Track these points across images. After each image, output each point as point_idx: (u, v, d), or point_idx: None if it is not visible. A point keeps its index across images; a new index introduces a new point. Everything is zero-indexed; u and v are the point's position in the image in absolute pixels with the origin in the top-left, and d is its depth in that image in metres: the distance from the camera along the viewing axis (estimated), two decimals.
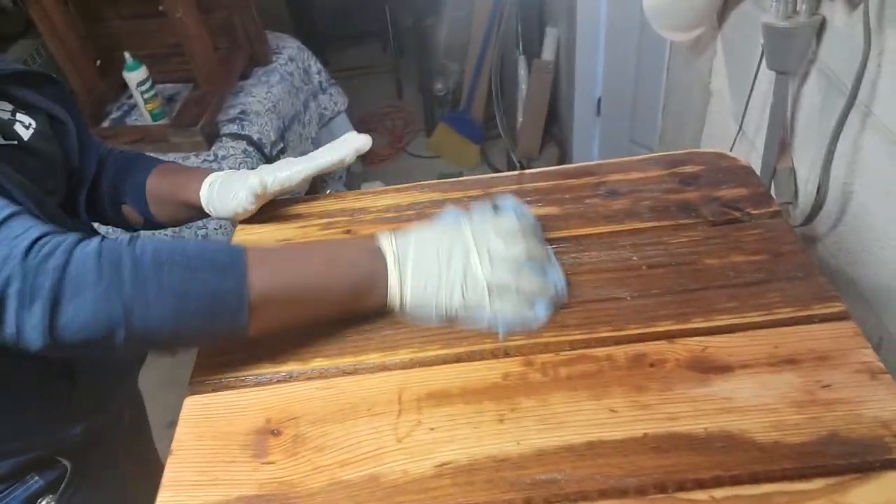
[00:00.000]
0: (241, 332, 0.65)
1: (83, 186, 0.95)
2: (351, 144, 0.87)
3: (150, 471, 1.15)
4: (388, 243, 0.71)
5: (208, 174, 0.91)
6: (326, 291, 0.69)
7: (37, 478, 0.89)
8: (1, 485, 0.87)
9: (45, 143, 0.86)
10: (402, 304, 0.70)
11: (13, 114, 0.83)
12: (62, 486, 0.92)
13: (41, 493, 0.90)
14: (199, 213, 0.93)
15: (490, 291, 0.68)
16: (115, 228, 1.06)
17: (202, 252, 0.65)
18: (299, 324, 0.70)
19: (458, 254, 0.69)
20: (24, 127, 0.83)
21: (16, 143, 0.81)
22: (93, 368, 0.90)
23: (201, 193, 0.89)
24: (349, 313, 0.72)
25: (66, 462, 0.91)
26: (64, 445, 0.91)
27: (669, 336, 0.67)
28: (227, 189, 0.87)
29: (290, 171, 0.86)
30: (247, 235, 0.88)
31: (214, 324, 0.64)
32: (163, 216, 0.97)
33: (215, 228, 1.95)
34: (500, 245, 0.69)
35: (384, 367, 0.69)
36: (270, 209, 0.91)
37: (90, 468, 0.96)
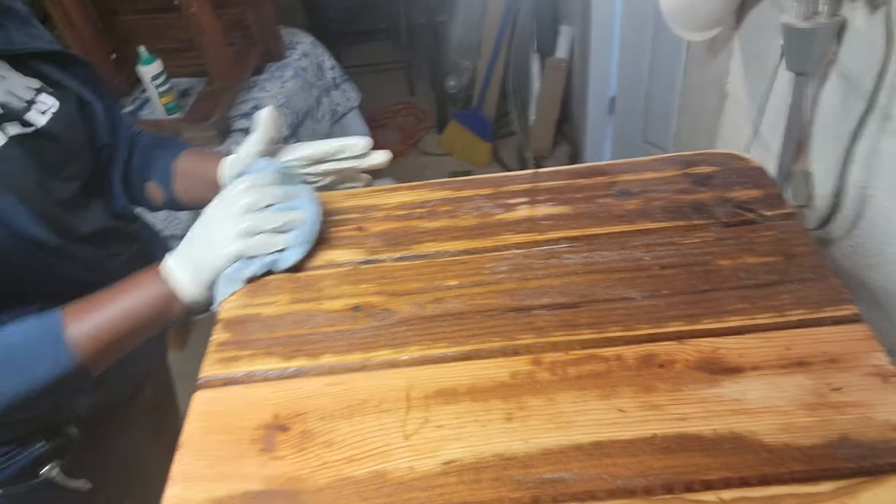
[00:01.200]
0: (85, 382, 0.78)
1: (116, 164, 0.98)
2: (363, 142, 0.91)
3: (170, 441, 1.20)
4: (169, 260, 0.80)
5: None
6: (140, 328, 0.79)
7: (43, 442, 0.91)
8: (6, 447, 0.88)
9: (67, 126, 0.87)
10: (196, 295, 0.78)
11: (37, 93, 0.86)
12: (69, 453, 0.94)
13: (46, 458, 0.92)
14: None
15: (239, 240, 0.76)
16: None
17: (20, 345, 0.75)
18: (130, 348, 0.81)
19: (212, 227, 0.78)
20: (41, 113, 0.85)
21: (32, 129, 0.83)
22: None
23: (225, 161, 0.94)
24: (169, 323, 0.81)
25: (74, 430, 0.93)
26: (71, 417, 0.93)
27: (679, 337, 0.67)
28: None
29: (297, 153, 0.92)
30: None
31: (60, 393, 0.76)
32: (187, 195, 1.01)
33: None
34: (238, 200, 0.77)
35: (393, 364, 0.69)
36: None
37: (102, 437, 0.98)
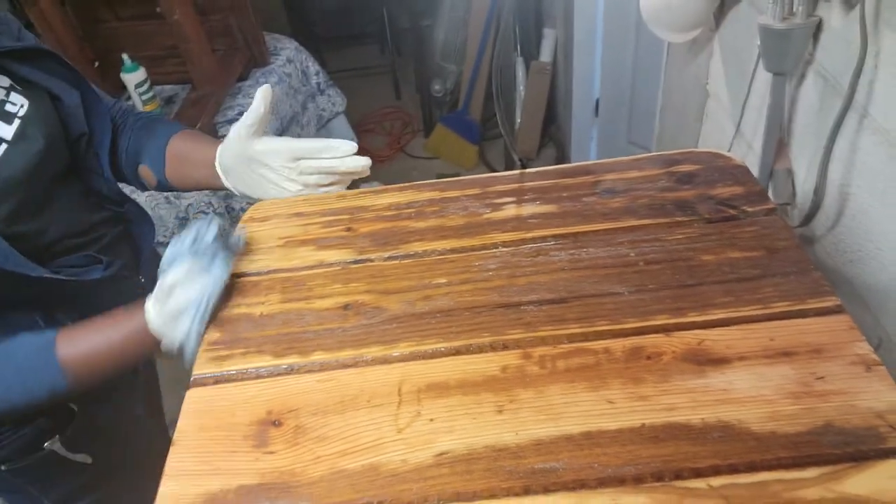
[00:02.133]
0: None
1: (101, 148, 0.99)
2: (347, 146, 0.93)
3: (162, 423, 1.28)
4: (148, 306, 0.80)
5: None
6: (124, 359, 0.84)
7: (45, 419, 0.96)
8: (6, 425, 0.94)
9: (37, 125, 0.89)
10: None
11: (7, 92, 0.87)
12: (70, 427, 0.98)
13: (49, 433, 0.97)
14: (215, 176, 0.97)
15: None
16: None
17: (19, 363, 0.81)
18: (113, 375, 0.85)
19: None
20: (12, 115, 0.86)
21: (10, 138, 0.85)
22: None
23: (221, 145, 0.96)
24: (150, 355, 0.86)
25: (73, 406, 0.98)
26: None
27: (666, 329, 0.68)
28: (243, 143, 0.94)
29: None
30: (250, 232, 0.88)
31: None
32: (179, 180, 1.02)
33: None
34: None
35: (384, 360, 0.69)
36: (272, 208, 0.92)
37: (100, 415, 1.02)
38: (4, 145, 0.84)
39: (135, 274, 1.07)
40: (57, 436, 0.97)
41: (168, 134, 1.02)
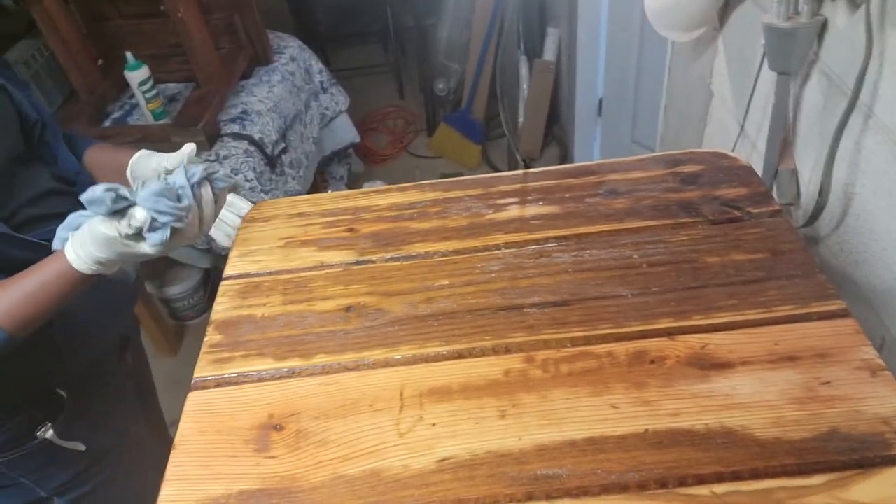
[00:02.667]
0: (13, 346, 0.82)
1: (56, 133, 1.06)
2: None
3: (159, 419, 1.30)
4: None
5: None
6: (52, 297, 0.81)
7: (34, 408, 0.97)
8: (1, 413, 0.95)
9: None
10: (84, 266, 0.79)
11: None
12: (61, 415, 0.99)
13: (40, 421, 0.97)
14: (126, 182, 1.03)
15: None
16: None
17: None
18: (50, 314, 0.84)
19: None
20: None
21: None
22: (73, 312, 0.94)
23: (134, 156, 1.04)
24: (80, 289, 0.83)
25: (62, 393, 0.98)
26: (59, 381, 0.98)
27: (670, 333, 0.68)
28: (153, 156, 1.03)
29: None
30: (251, 233, 0.88)
31: None
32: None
33: None
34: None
35: (386, 364, 0.69)
36: (273, 208, 0.91)
37: (92, 403, 1.04)
38: None
39: None
40: (48, 423, 0.98)
41: (83, 147, 1.11)
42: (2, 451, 0.97)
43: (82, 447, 1.04)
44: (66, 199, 1.05)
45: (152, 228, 0.73)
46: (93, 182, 1.12)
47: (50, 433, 0.99)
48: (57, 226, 0.96)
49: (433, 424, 0.63)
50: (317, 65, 2.60)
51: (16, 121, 1.00)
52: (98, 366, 1.04)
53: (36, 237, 0.94)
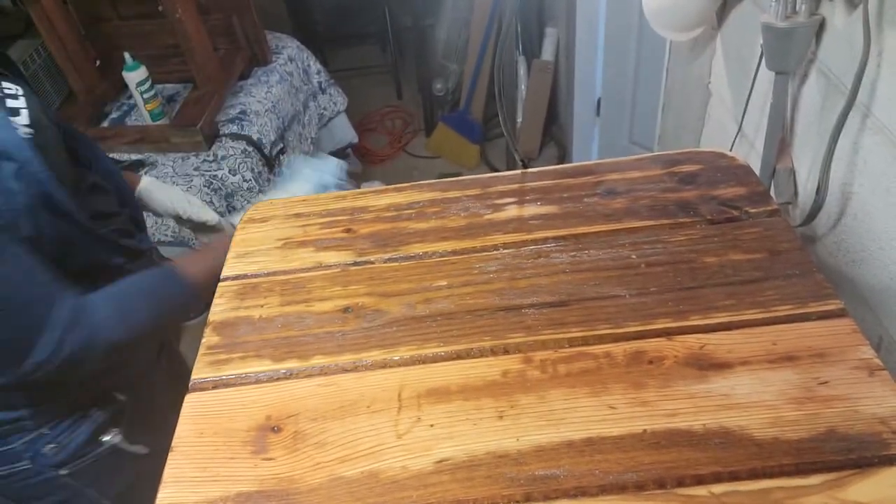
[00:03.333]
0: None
1: (73, 132, 1.09)
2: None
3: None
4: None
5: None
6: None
7: (98, 412, 1.01)
8: (67, 419, 0.98)
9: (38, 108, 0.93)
10: None
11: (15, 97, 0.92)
12: (123, 418, 1.04)
13: (105, 427, 1.02)
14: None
15: None
16: None
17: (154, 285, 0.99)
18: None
19: None
20: (13, 98, 0.90)
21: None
22: None
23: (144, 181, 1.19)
24: None
25: (121, 396, 1.04)
26: (116, 385, 1.05)
27: (668, 333, 0.68)
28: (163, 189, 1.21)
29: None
30: (248, 234, 0.88)
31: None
32: None
33: None
34: None
35: (384, 365, 0.69)
36: (271, 209, 0.91)
37: (144, 402, 1.09)
38: (30, 130, 0.87)
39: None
40: (115, 429, 1.02)
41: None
42: (72, 460, 0.99)
43: (145, 450, 1.07)
44: (106, 198, 1.09)
45: None
46: (125, 184, 1.18)
47: (118, 437, 1.03)
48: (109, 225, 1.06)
49: (431, 425, 0.63)
50: (315, 65, 2.60)
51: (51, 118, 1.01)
52: (141, 370, 1.10)
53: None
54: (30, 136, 0.85)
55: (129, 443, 1.05)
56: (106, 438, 1.02)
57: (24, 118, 0.86)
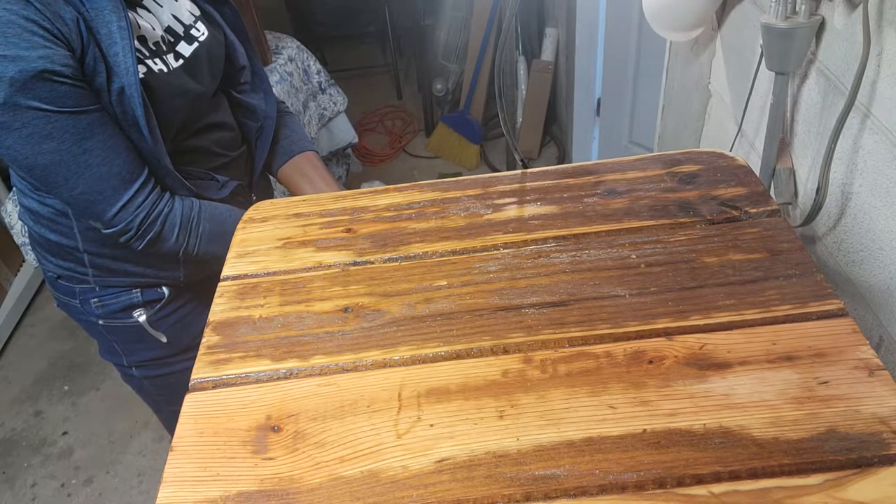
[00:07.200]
0: None
1: (262, 78, 1.31)
2: None
3: None
4: None
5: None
6: None
7: (139, 295, 1.21)
8: (114, 290, 1.20)
9: (210, 51, 1.14)
10: None
11: (196, 20, 1.12)
12: (157, 306, 1.23)
13: (138, 306, 1.22)
14: None
15: None
16: None
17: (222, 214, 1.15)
18: None
19: None
20: (194, 39, 1.11)
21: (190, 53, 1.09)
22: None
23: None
24: None
25: (165, 290, 1.23)
26: (167, 281, 1.22)
27: (668, 333, 0.68)
28: None
29: None
30: (248, 234, 0.88)
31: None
32: (286, 182, 1.35)
33: None
34: None
35: (384, 364, 0.69)
36: (270, 208, 0.91)
37: (185, 306, 1.27)
38: (181, 60, 1.07)
39: (248, 192, 1.30)
40: (143, 310, 1.22)
41: (295, 151, 1.33)
42: (108, 317, 1.22)
43: (164, 339, 1.25)
44: (231, 136, 1.23)
45: None
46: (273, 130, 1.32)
47: (143, 318, 1.22)
48: (213, 168, 1.20)
49: (431, 425, 0.63)
50: (315, 65, 2.60)
51: (221, 64, 1.18)
52: (195, 282, 1.25)
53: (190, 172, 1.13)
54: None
55: (154, 328, 1.23)
56: (135, 314, 1.21)
57: (187, 50, 1.08)
